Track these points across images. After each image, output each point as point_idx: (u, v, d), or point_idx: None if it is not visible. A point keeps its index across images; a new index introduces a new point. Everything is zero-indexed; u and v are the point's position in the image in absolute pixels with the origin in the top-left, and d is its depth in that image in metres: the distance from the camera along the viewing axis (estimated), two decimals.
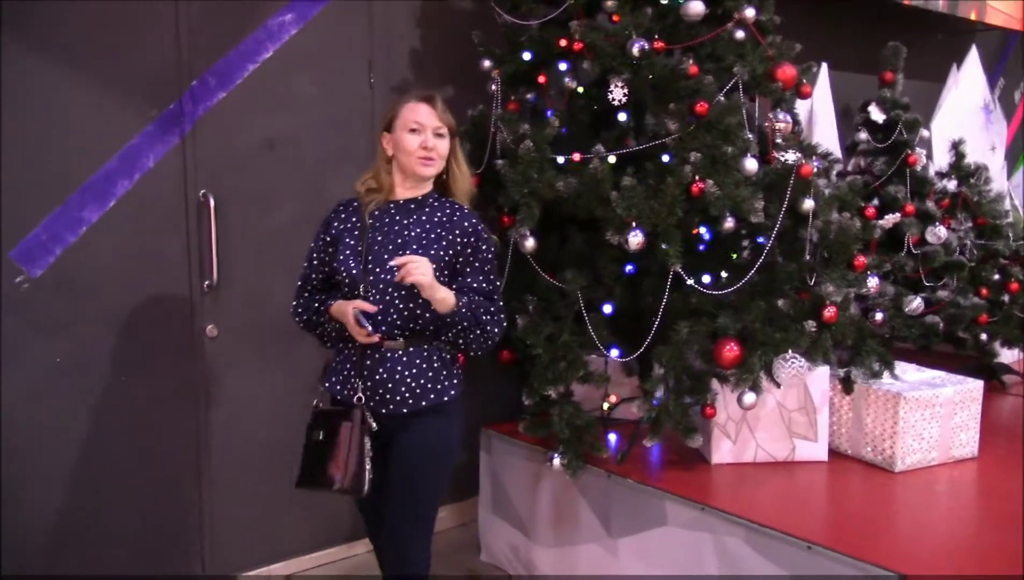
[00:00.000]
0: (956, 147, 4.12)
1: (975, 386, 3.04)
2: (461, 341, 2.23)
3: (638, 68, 2.81)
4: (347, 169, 3.33)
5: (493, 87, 3.37)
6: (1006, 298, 3.91)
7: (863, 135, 3.99)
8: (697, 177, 2.66)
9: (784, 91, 2.94)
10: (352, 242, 2.25)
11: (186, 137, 2.98)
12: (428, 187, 2.31)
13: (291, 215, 3.22)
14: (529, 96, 3.40)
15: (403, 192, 2.30)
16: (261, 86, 3.12)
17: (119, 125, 2.85)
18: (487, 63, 3.29)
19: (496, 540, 3.42)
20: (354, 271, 2.21)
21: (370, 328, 2.12)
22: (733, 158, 2.72)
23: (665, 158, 2.88)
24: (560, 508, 3.12)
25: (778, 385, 2.77)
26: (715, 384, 2.81)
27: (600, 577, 2.96)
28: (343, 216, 2.33)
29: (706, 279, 2.86)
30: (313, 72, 3.25)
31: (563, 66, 3.29)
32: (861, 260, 2.86)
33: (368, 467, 2.14)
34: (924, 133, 3.98)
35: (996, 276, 3.90)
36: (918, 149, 3.89)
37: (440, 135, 2.23)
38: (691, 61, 2.81)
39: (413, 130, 2.22)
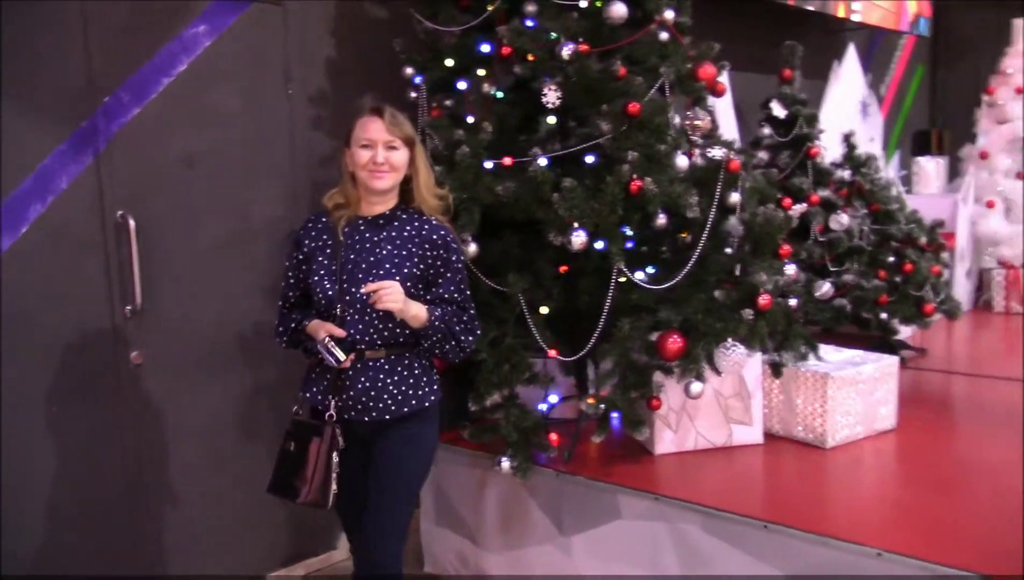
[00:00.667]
0: (847, 139, 4.36)
1: (892, 362, 3.24)
2: (437, 351, 2.27)
3: (568, 71, 2.86)
4: (270, 185, 3.27)
5: (413, 94, 3.37)
6: (899, 279, 4.16)
7: (766, 130, 4.18)
8: (635, 176, 2.72)
9: (705, 90, 3.04)
10: (325, 261, 2.25)
11: (100, 156, 2.83)
12: (394, 200, 2.30)
13: (215, 234, 3.11)
14: (447, 102, 3.41)
15: (369, 207, 2.29)
16: (177, 100, 3.00)
17: (29, 146, 2.68)
18: (409, 70, 3.28)
19: (442, 550, 3.39)
20: (330, 292, 2.21)
21: (340, 357, 2.13)
22: (666, 156, 2.80)
23: (590, 159, 2.95)
24: (509, 511, 3.13)
25: (719, 373, 2.86)
26: (658, 376, 2.88)
27: (555, 576, 2.99)
28: (313, 233, 2.31)
29: (640, 275, 2.93)
30: (230, 84, 3.15)
31: (481, 72, 3.33)
32: (786, 249, 3.00)
33: (334, 482, 2.16)
34: (820, 127, 4.21)
35: (891, 258, 4.16)
36: (818, 142, 4.11)
37: (392, 148, 2.21)
38: (619, 63, 2.87)
39: (365, 145, 2.21)
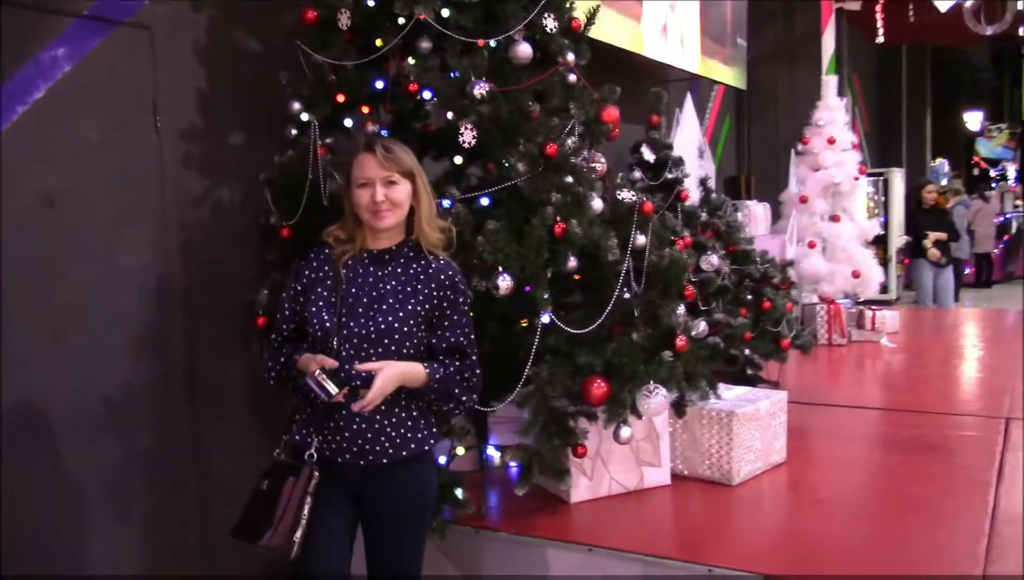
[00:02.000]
0: (703, 183, 4.56)
1: (782, 397, 3.37)
2: (434, 408, 2.18)
3: (480, 110, 2.76)
4: (138, 228, 2.93)
5: (294, 131, 3.16)
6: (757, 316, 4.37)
7: (637, 174, 4.28)
8: (558, 218, 2.66)
9: (608, 132, 3.05)
10: (324, 293, 2.13)
11: None
12: (401, 235, 2.18)
13: (79, 283, 2.73)
14: (327, 140, 3.21)
15: (375, 242, 2.17)
16: (34, 131, 2.63)
17: None
18: (296, 105, 3.06)
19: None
20: (327, 325, 2.08)
21: (332, 390, 1.97)
22: (584, 198, 2.77)
23: (485, 201, 2.87)
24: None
25: (639, 417, 2.84)
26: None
27: None
28: (315, 264, 2.18)
29: (545, 319, 2.87)
30: (93, 114, 2.80)
31: (365, 109, 3.17)
32: (691, 290, 3.05)
33: (301, 530, 2.00)
34: (685, 171, 4.37)
35: (749, 297, 4.36)
36: (686, 185, 4.26)
37: (391, 183, 2.08)
38: (531, 103, 2.82)
39: (362, 185, 2.08)
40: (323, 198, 2.90)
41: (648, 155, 4.22)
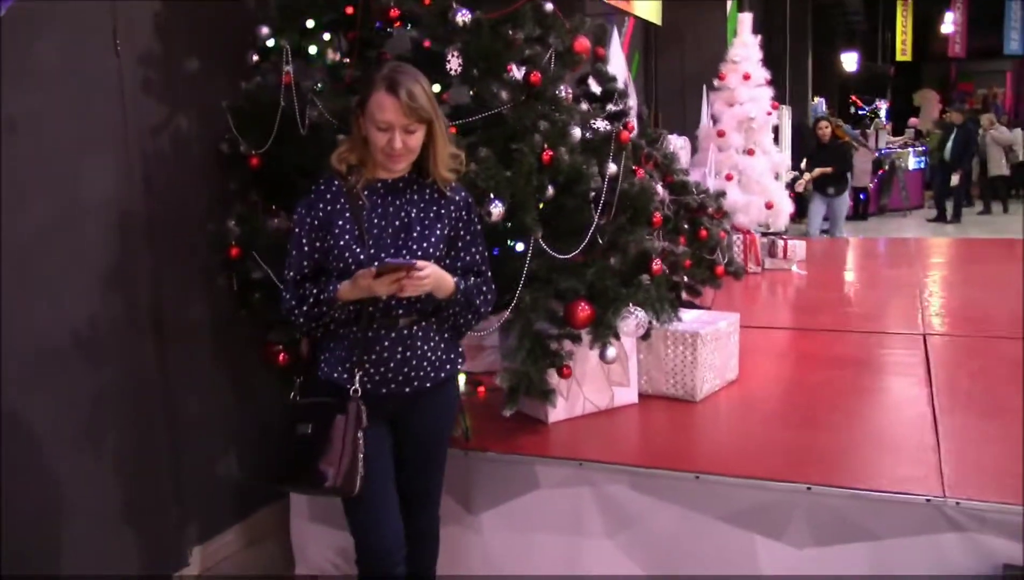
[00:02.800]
0: (640, 116, 4.66)
1: (735, 319, 3.56)
2: (451, 321, 2.21)
3: (466, 38, 2.76)
4: (100, 157, 2.80)
5: (255, 57, 3.07)
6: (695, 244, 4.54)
7: (584, 106, 4.32)
8: (545, 145, 2.71)
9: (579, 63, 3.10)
10: (348, 226, 2.09)
11: None
12: (410, 165, 2.15)
13: (41, 216, 2.60)
14: (287, 68, 3.12)
15: (385, 173, 2.14)
16: None
17: None
18: (265, 30, 2.97)
19: (318, 549, 3.15)
20: (361, 257, 2.06)
21: (412, 261, 1.99)
22: (566, 126, 2.82)
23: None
24: None
25: (618, 338, 2.95)
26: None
27: (461, 554, 2.92)
28: (328, 197, 2.13)
29: (520, 246, 2.93)
30: (52, 36, 2.63)
31: (326, 36, 3.10)
32: (658, 217, 3.16)
33: (361, 465, 2.02)
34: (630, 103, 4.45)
35: (686, 226, 4.52)
36: (631, 117, 4.35)
37: (410, 131, 2.05)
38: (511, 32, 2.83)
39: (381, 129, 2.03)
40: (300, 127, 2.84)
41: (595, 87, 4.27)
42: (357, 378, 2.07)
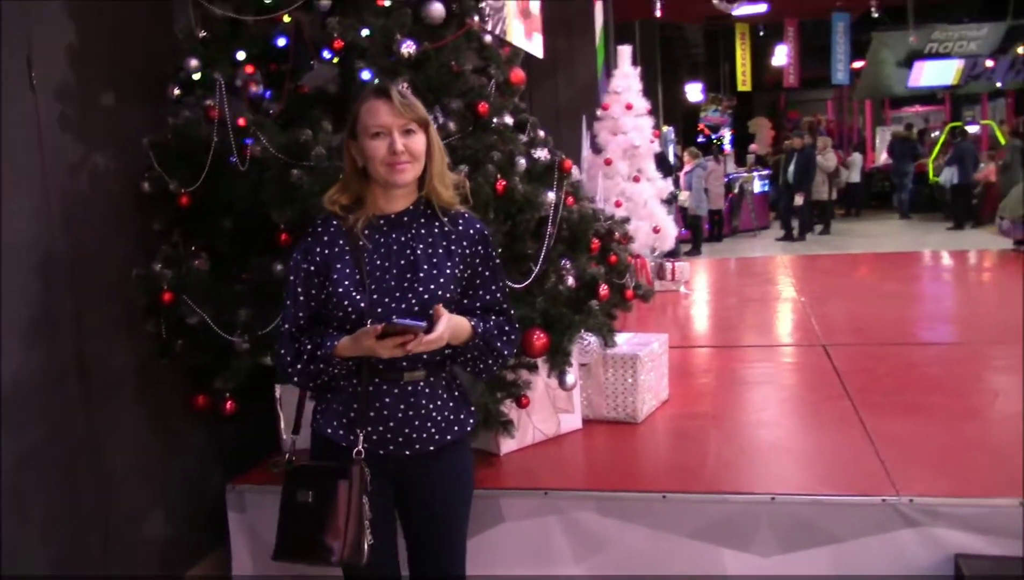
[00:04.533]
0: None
1: (665, 340, 3.66)
2: (470, 367, 2.00)
3: (405, 68, 2.74)
4: (17, 197, 2.58)
5: (177, 91, 2.94)
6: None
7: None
8: (498, 176, 2.72)
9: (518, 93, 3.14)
10: (347, 270, 1.89)
11: None
12: (415, 193, 1.95)
13: None
14: (208, 101, 3.01)
15: (389, 204, 1.94)
16: None
17: None
18: (194, 62, 2.84)
19: None
20: (361, 304, 1.87)
21: (420, 324, 1.78)
22: (510, 156, 2.84)
23: None
24: None
25: (571, 365, 2.98)
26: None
27: None
28: (325, 239, 1.93)
29: None
30: None
31: (249, 69, 3.01)
32: (596, 243, 3.22)
33: (368, 533, 1.85)
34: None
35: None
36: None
37: (409, 131, 1.87)
38: (454, 62, 2.83)
39: (376, 134, 1.85)
40: (240, 163, 2.73)
41: (508, 118, 4.32)
42: (360, 437, 1.89)
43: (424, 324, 1.78)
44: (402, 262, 1.92)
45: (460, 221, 1.99)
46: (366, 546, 1.85)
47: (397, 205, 1.96)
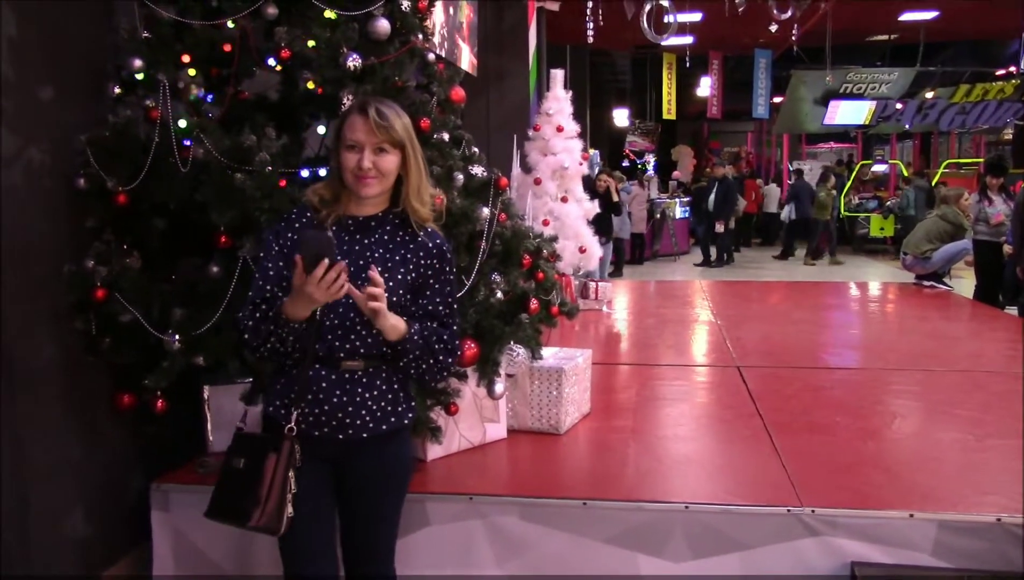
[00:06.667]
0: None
1: (588, 354, 3.79)
2: (413, 370, 2.11)
3: (353, 80, 2.81)
4: None
5: (117, 89, 2.96)
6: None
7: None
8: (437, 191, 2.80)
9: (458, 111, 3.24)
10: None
11: None
12: (386, 202, 2.11)
13: None
14: (148, 102, 3.02)
15: (359, 208, 2.09)
16: None
17: None
18: (137, 62, 2.85)
19: None
20: None
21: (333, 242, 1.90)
22: (448, 171, 2.94)
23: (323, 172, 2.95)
24: None
25: (499, 374, 3.08)
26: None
27: None
28: (297, 226, 2.06)
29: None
30: None
31: (192, 72, 3.04)
32: (528, 259, 3.34)
33: (289, 505, 1.97)
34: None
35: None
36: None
37: (381, 150, 2.01)
38: (396, 77, 2.92)
39: (351, 147, 2.00)
40: (181, 165, 2.76)
41: (445, 135, 4.41)
42: (294, 417, 2.02)
43: (341, 260, 1.89)
44: (360, 262, 2.06)
45: (422, 234, 2.14)
46: (285, 518, 1.97)
47: (366, 210, 2.12)
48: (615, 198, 10.78)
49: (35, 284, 2.87)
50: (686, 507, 2.73)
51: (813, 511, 2.67)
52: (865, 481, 2.91)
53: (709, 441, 3.45)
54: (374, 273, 1.96)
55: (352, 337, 2.05)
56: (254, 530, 1.98)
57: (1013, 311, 7.21)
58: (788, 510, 2.68)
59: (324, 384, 2.04)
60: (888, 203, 15.99)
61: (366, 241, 2.09)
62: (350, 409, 2.05)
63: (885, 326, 6.53)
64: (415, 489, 2.87)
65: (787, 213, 15.98)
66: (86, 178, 2.92)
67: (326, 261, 1.86)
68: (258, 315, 2.03)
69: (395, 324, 2.02)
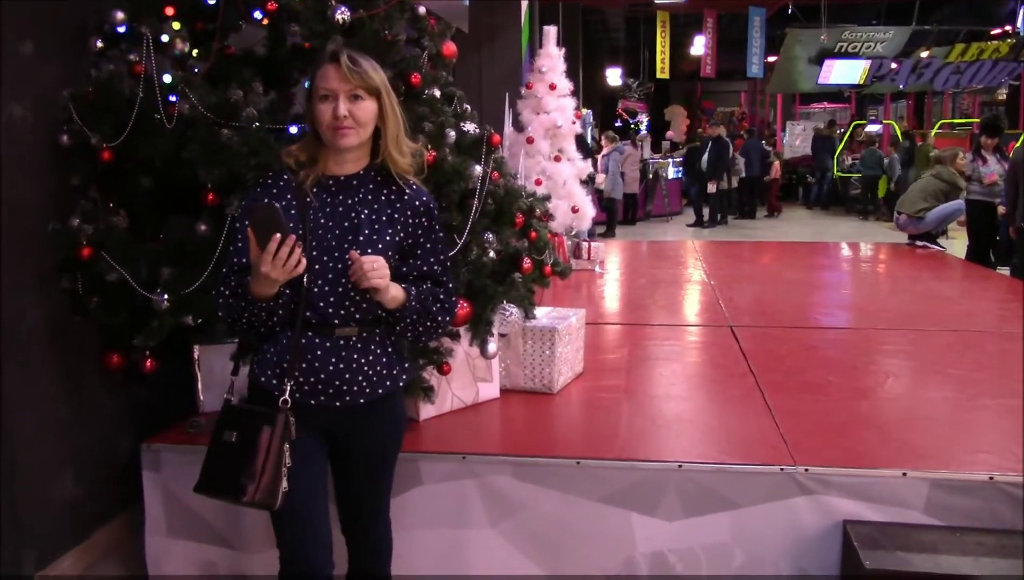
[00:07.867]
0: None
1: (582, 314, 3.77)
2: (410, 333, 2.07)
3: (342, 34, 2.75)
4: None
5: (99, 43, 2.89)
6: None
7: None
8: (428, 147, 2.75)
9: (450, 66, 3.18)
10: (290, 224, 1.90)
11: None
12: (366, 158, 2.04)
13: None
14: (132, 56, 2.95)
15: (339, 166, 2.01)
16: None
17: None
18: (119, 15, 2.78)
19: (179, 563, 3.00)
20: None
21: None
22: (440, 128, 2.89)
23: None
24: None
25: (492, 334, 3.05)
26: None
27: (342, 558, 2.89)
28: (274, 192, 1.97)
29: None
30: None
31: (176, 25, 2.97)
32: (520, 218, 3.30)
33: (284, 479, 1.92)
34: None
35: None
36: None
37: (356, 97, 1.94)
38: (387, 31, 2.85)
39: (324, 97, 1.93)
40: (166, 121, 2.70)
41: (436, 91, 4.34)
42: (288, 387, 1.97)
43: (292, 233, 1.81)
44: (345, 224, 1.99)
45: (407, 191, 2.07)
46: (280, 492, 1.92)
47: (347, 168, 2.04)
48: None
49: (20, 244, 2.82)
50: (679, 466, 2.73)
51: (806, 470, 2.66)
52: (858, 440, 2.91)
53: (702, 400, 3.45)
54: (354, 254, 1.90)
55: (347, 303, 1.99)
56: (248, 505, 1.93)
57: (1005, 272, 7.22)
58: (781, 469, 2.68)
59: (319, 352, 1.99)
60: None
61: (349, 201, 2.02)
62: (347, 376, 2.01)
63: (877, 286, 6.52)
64: (408, 448, 2.85)
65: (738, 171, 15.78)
66: (69, 135, 2.85)
67: (278, 236, 1.78)
68: (227, 292, 1.98)
69: (395, 295, 1.97)
